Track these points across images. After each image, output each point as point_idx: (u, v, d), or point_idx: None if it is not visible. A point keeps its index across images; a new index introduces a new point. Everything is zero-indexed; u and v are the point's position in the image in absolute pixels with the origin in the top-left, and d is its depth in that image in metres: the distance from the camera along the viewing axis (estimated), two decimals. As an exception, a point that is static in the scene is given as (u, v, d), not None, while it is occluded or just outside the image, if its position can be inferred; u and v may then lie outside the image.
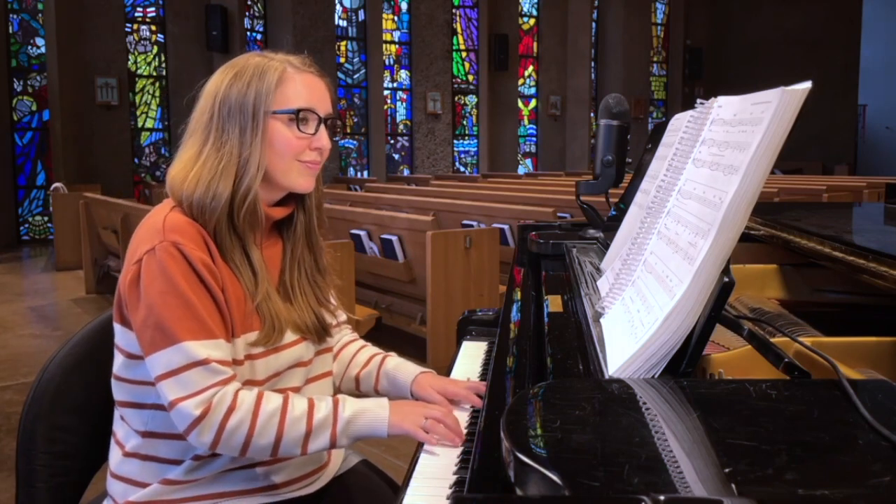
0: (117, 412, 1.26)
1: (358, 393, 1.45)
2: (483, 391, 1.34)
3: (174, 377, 1.10)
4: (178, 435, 1.18)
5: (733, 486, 0.53)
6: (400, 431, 1.18)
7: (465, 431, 1.23)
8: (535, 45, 14.83)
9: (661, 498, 0.51)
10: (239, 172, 1.18)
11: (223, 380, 1.12)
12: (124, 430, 1.24)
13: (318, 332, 1.29)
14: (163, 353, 1.10)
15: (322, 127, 1.24)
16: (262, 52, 1.25)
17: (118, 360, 1.23)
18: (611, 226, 1.52)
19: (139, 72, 10.60)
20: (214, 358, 1.11)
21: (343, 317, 1.45)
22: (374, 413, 1.19)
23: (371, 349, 1.47)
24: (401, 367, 1.40)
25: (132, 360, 1.20)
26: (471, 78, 13.99)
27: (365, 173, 12.68)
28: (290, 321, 1.24)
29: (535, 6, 14.75)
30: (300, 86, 1.22)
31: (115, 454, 1.26)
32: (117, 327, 1.21)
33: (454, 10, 13.55)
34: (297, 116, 1.21)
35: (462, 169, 14.03)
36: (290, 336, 1.24)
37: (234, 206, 1.18)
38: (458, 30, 13.75)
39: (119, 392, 1.24)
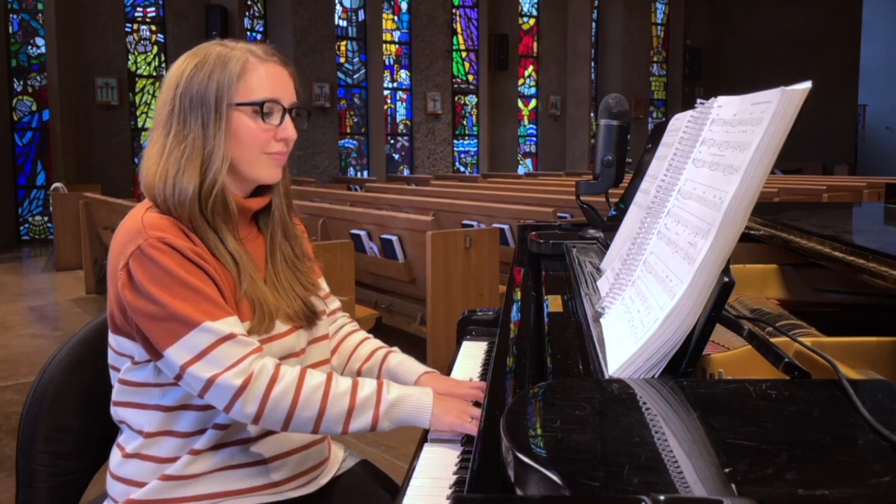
0: (117, 416, 1.25)
1: None
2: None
3: (204, 358, 1.10)
4: (179, 433, 1.18)
5: (733, 486, 0.53)
6: (445, 426, 1.17)
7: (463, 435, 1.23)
8: (535, 45, 14.83)
9: (661, 498, 0.51)
10: (203, 165, 1.17)
11: (255, 349, 1.13)
12: (126, 432, 1.25)
13: (308, 318, 1.28)
14: (185, 339, 1.09)
15: (287, 117, 1.22)
16: (224, 42, 1.23)
17: (123, 367, 1.22)
18: (611, 226, 1.52)
19: (139, 72, 10.60)
20: (238, 332, 1.12)
21: (336, 303, 1.44)
22: (418, 399, 1.18)
23: (373, 342, 1.46)
24: (404, 365, 1.39)
25: (136, 365, 1.19)
26: (471, 78, 13.99)
27: (365, 173, 12.68)
28: (280, 310, 1.23)
29: (535, 6, 14.75)
30: (263, 76, 1.20)
31: (115, 456, 1.26)
32: (115, 339, 1.20)
33: (454, 10, 13.55)
34: (262, 108, 1.19)
35: (462, 169, 14.03)
36: (281, 326, 1.23)
37: (201, 199, 1.17)
38: (458, 30, 13.75)
39: (123, 394, 1.23)
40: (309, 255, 1.36)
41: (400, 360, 1.41)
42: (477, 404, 1.30)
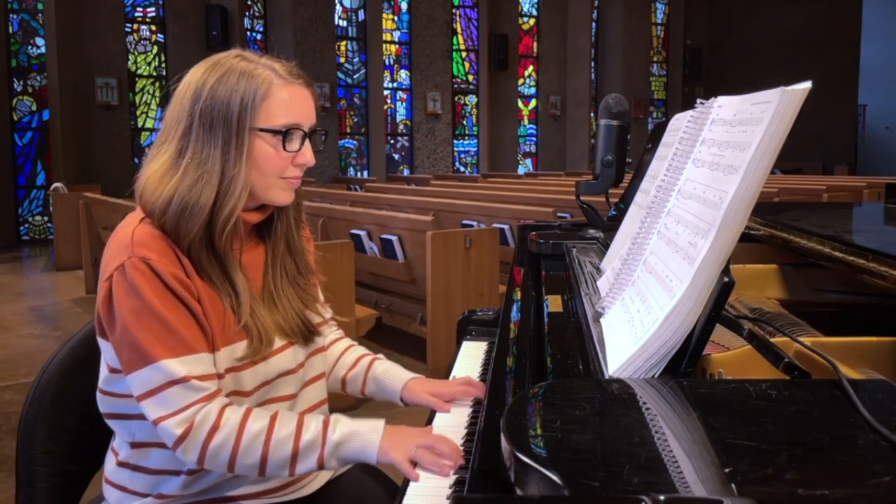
0: (107, 422, 1.24)
1: (344, 394, 1.44)
2: (474, 384, 1.34)
3: (154, 396, 1.08)
4: (166, 445, 1.16)
5: (733, 486, 0.53)
6: (387, 460, 1.13)
7: (463, 435, 1.22)
8: (535, 45, 14.82)
9: (661, 498, 0.51)
10: (222, 191, 1.13)
11: (205, 396, 1.09)
12: (118, 439, 1.24)
13: (304, 335, 1.26)
14: (141, 372, 1.08)
15: (307, 143, 1.19)
16: (246, 55, 1.18)
17: (102, 374, 1.21)
18: (611, 226, 1.52)
19: (139, 72, 10.60)
20: (194, 374, 1.09)
21: (329, 313, 1.42)
22: (365, 437, 1.14)
23: (358, 349, 1.45)
24: (390, 373, 1.38)
25: (114, 375, 1.17)
26: (471, 78, 13.99)
27: (365, 173, 12.68)
28: (276, 326, 1.21)
29: (535, 6, 14.75)
30: (287, 100, 1.16)
31: (109, 461, 1.25)
32: (100, 341, 1.18)
33: (454, 10, 13.55)
34: (284, 136, 1.15)
35: (462, 169, 14.03)
36: (276, 342, 1.21)
37: (213, 225, 1.13)
38: (458, 30, 13.75)
39: (104, 405, 1.22)
40: (313, 269, 1.33)
41: (385, 367, 1.39)
42: (477, 402, 1.30)
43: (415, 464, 1.12)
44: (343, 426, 1.15)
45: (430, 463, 1.10)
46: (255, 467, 1.11)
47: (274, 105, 1.15)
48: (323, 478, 1.34)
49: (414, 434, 1.16)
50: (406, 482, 1.09)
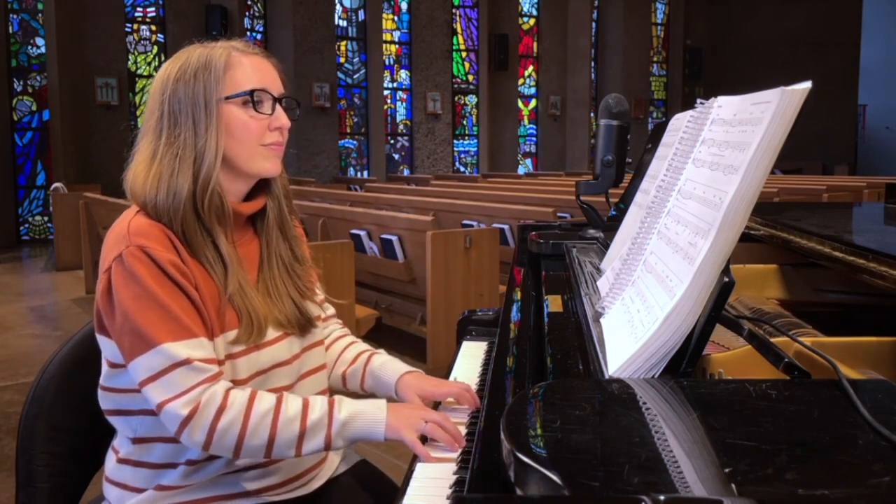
0: (108, 419, 1.24)
1: (345, 391, 1.44)
2: (470, 394, 1.30)
3: (158, 380, 1.08)
4: (168, 439, 1.16)
5: (733, 486, 0.53)
6: (397, 437, 1.14)
7: (464, 432, 1.22)
8: (535, 45, 14.82)
9: (661, 498, 0.51)
10: (197, 163, 1.16)
11: (209, 377, 1.10)
12: (119, 436, 1.24)
13: (301, 325, 1.26)
14: (143, 357, 1.09)
15: (278, 106, 1.22)
16: (204, 43, 1.23)
17: (103, 371, 1.21)
18: (611, 226, 1.52)
19: (139, 72, 10.61)
20: (197, 357, 1.10)
21: (331, 310, 1.43)
22: (371, 415, 1.16)
23: (359, 346, 1.44)
24: (386, 366, 1.37)
25: (115, 370, 1.18)
26: (471, 78, 13.98)
27: (365, 173, 12.68)
28: (271, 317, 1.22)
29: (535, 6, 14.75)
30: (249, 68, 1.20)
31: (109, 460, 1.26)
32: (99, 338, 1.19)
33: (454, 10, 13.55)
34: (252, 98, 1.19)
35: (462, 169, 14.02)
36: (271, 333, 1.21)
37: (196, 198, 1.16)
38: (458, 30, 13.75)
39: (106, 402, 1.22)
40: (307, 258, 1.34)
41: (383, 361, 1.39)
42: (475, 416, 1.29)
43: (424, 439, 1.13)
44: (349, 405, 1.17)
45: (442, 437, 1.13)
46: (261, 448, 1.12)
47: (237, 74, 1.19)
48: (324, 476, 1.34)
49: (418, 409, 1.19)
50: (407, 481, 1.09)
